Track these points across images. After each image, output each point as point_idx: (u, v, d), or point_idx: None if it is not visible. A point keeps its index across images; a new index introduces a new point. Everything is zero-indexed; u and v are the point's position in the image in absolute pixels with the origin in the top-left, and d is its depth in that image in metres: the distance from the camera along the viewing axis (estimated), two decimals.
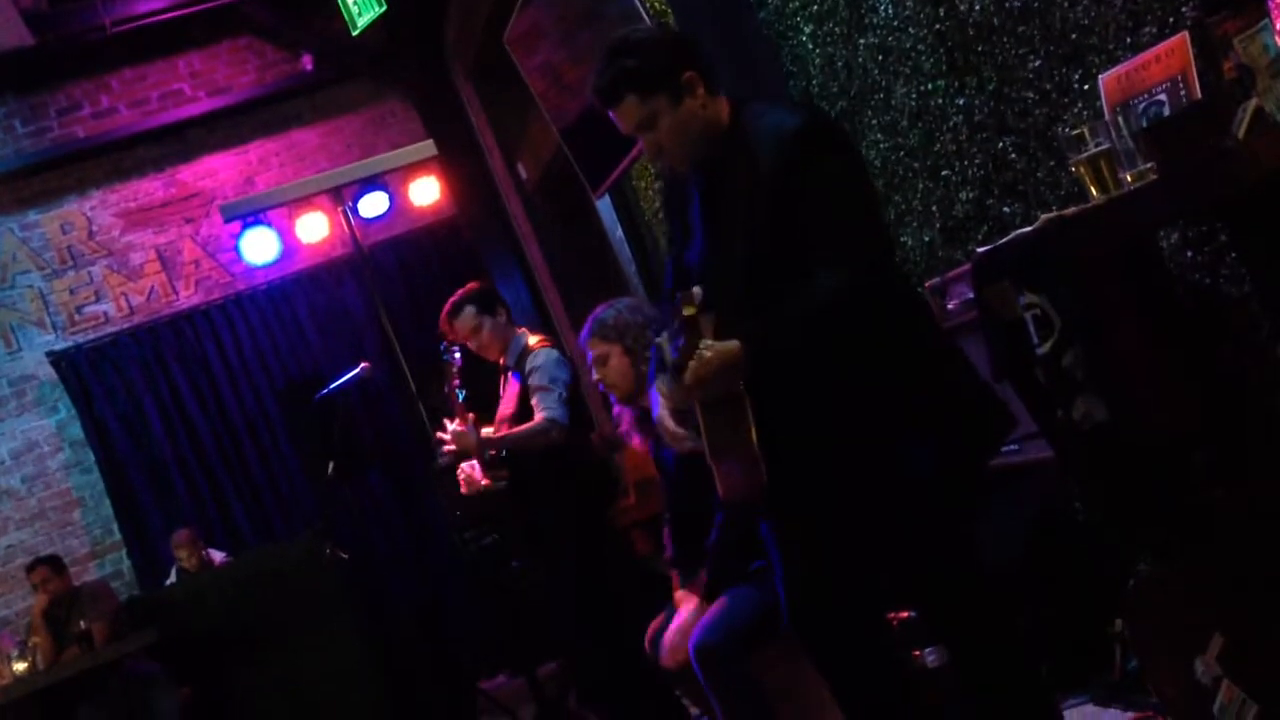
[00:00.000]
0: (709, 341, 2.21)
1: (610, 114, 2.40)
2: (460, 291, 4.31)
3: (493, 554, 6.09)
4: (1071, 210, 2.27)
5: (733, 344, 2.20)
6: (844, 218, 2.23)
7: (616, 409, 3.50)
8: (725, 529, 3.19)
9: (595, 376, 3.46)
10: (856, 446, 2.30)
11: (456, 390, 4.13)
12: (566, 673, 5.44)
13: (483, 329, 4.25)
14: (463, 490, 4.35)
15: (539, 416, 4.06)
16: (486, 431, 4.24)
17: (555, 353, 4.22)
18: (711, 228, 2.40)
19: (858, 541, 2.40)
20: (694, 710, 3.91)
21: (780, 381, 2.30)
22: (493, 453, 4.19)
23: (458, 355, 4.21)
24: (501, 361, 4.36)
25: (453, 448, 4.11)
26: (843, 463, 2.32)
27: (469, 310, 4.26)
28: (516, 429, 4.13)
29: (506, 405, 4.32)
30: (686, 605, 3.29)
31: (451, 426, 4.10)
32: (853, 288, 2.22)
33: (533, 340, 4.31)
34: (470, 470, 4.29)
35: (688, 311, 2.20)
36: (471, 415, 4.11)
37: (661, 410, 2.50)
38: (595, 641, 4.21)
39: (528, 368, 4.16)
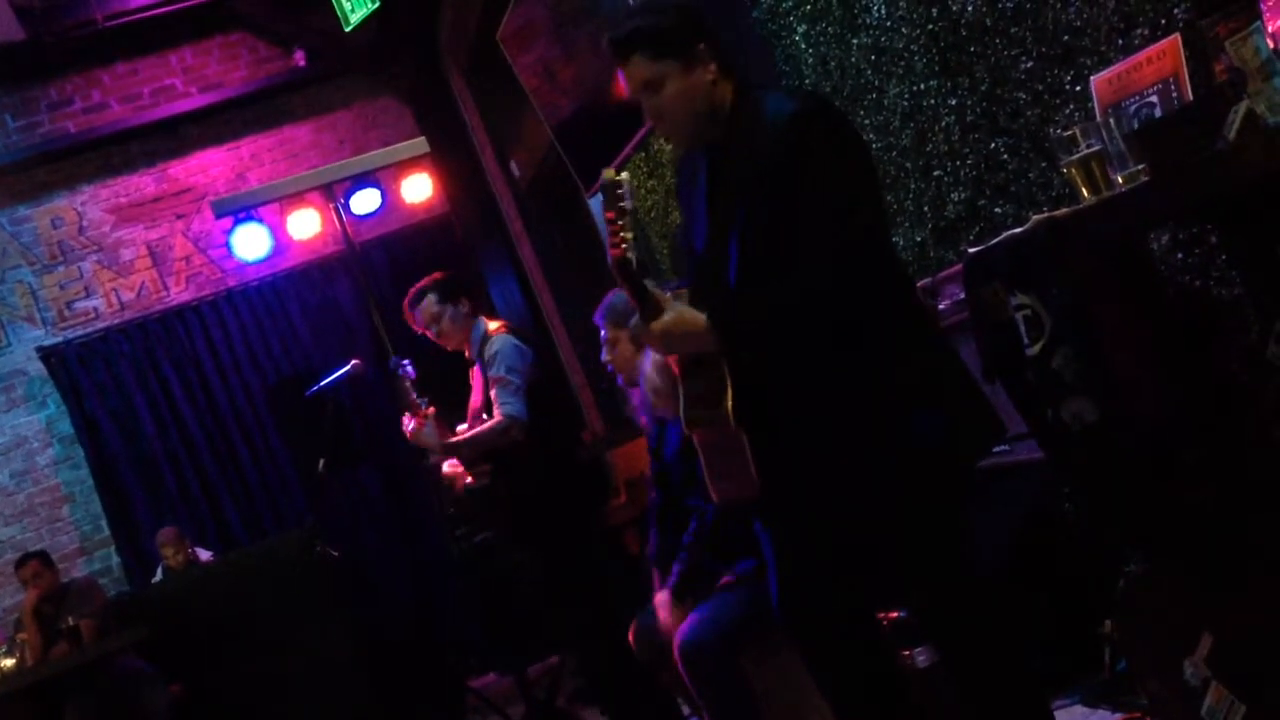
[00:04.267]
0: (680, 305, 2.29)
1: (620, 72, 2.39)
2: (422, 280, 4.30)
3: (484, 551, 6.09)
4: (1063, 211, 2.27)
5: (699, 316, 2.26)
6: (832, 207, 2.20)
7: (627, 388, 3.64)
8: (703, 527, 3.20)
9: (605, 357, 3.58)
10: (843, 441, 2.29)
11: (419, 401, 4.12)
12: (557, 672, 5.44)
13: (443, 317, 4.24)
14: (457, 489, 4.36)
15: (497, 414, 4.04)
16: (462, 428, 4.23)
17: (512, 339, 4.17)
18: (712, 212, 2.41)
19: (850, 538, 2.40)
20: (686, 709, 3.91)
21: (766, 372, 2.30)
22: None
23: (409, 367, 4.20)
24: (466, 353, 4.33)
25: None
26: (830, 458, 2.32)
27: (430, 299, 4.24)
28: (475, 430, 4.11)
29: (476, 397, 4.30)
30: (664, 608, 3.29)
31: (408, 425, 4.10)
32: (835, 278, 2.20)
33: (491, 326, 4.28)
34: (454, 469, 4.29)
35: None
36: (431, 410, 4.10)
37: (649, 369, 2.52)
38: (587, 641, 4.21)
39: (486, 355, 4.14)
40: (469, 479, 4.26)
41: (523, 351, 4.13)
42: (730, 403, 2.25)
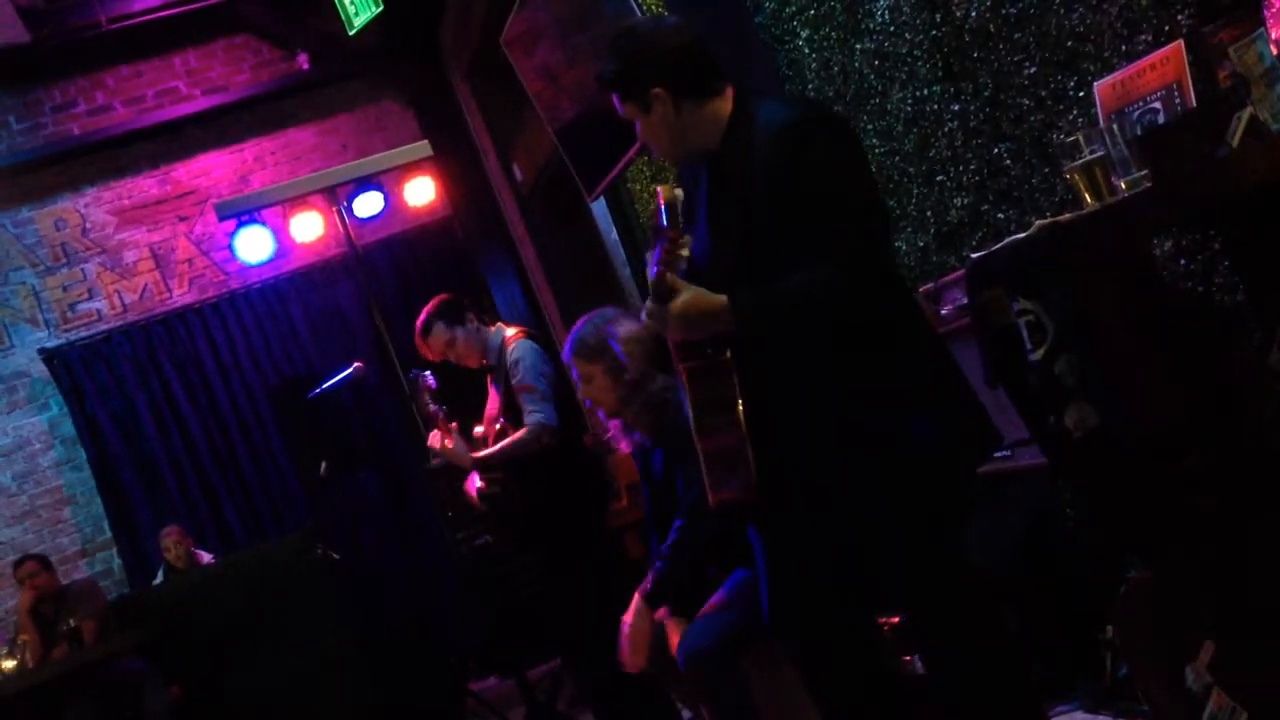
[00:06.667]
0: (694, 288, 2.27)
1: None
2: (425, 310, 4.27)
3: (485, 555, 6.09)
4: (1066, 217, 2.27)
5: (719, 297, 2.25)
6: (832, 214, 2.21)
7: (606, 421, 3.48)
8: (684, 536, 3.19)
9: (580, 395, 3.42)
10: (840, 445, 2.29)
11: (438, 410, 4.12)
12: (558, 675, 5.44)
13: (457, 341, 4.23)
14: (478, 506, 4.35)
15: (528, 421, 4.04)
16: (478, 431, 4.23)
17: (532, 344, 4.18)
18: (712, 219, 2.41)
19: (845, 543, 2.40)
20: (686, 714, 3.91)
21: (767, 376, 2.30)
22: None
23: (429, 377, 4.19)
24: (484, 364, 4.33)
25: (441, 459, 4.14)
26: (828, 461, 2.32)
27: (439, 326, 4.22)
28: (507, 440, 4.11)
29: (493, 404, 4.30)
30: (632, 612, 3.29)
31: (435, 441, 4.10)
32: (839, 282, 2.20)
33: (510, 333, 4.27)
34: (471, 490, 4.29)
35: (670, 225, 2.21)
36: (454, 424, 4.10)
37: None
38: (589, 644, 4.21)
39: (509, 361, 4.13)
40: (481, 485, 4.25)
41: (544, 357, 4.14)
42: (742, 407, 2.25)
